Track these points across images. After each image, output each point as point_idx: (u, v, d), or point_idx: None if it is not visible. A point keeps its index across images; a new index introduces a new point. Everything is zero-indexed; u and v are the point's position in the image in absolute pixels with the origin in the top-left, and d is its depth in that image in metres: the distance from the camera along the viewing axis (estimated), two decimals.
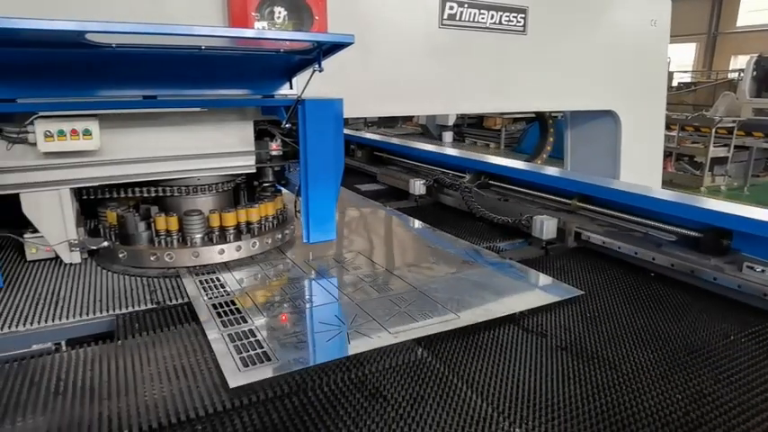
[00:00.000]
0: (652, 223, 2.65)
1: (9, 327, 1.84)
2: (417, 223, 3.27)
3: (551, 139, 9.54)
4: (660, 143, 5.35)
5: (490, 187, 3.79)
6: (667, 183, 10.39)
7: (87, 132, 2.16)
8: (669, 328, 1.90)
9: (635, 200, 2.74)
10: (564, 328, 1.90)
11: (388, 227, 3.29)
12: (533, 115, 12.83)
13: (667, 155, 11.45)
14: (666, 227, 2.57)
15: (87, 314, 1.95)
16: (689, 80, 21.35)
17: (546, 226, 2.79)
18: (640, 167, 5.05)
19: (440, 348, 1.74)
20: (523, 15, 3.92)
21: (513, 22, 3.87)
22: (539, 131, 10.84)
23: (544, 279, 2.36)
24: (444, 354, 1.71)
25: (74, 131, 2.15)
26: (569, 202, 3.12)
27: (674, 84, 18.77)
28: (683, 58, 26.42)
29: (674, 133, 11.86)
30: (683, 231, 2.47)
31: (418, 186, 3.92)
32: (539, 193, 3.39)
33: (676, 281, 2.32)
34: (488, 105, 4.37)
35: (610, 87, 4.66)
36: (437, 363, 1.65)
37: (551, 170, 3.85)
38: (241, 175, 2.73)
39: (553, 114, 9.61)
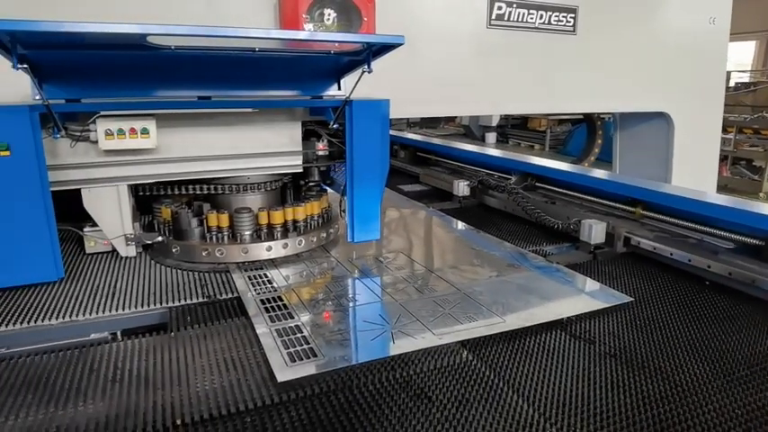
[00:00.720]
0: (708, 230, 2.54)
1: (70, 316, 1.94)
2: (461, 225, 3.25)
3: (599, 141, 9.28)
4: (716, 146, 5.13)
5: (536, 189, 3.72)
6: (722, 188, 9.93)
7: (145, 131, 2.25)
8: (727, 340, 1.82)
9: (690, 205, 2.63)
10: (613, 334, 1.85)
11: (431, 228, 3.28)
12: (580, 116, 12.51)
13: (723, 158, 10.94)
14: (724, 234, 2.46)
15: (142, 306, 2.04)
16: (748, 80, 20.31)
17: (594, 230, 2.72)
18: (694, 171, 4.85)
19: (485, 352, 1.72)
20: (573, 15, 3.83)
21: (562, 21, 3.79)
22: (586, 133, 10.57)
23: (592, 284, 2.30)
24: (489, 357, 1.69)
25: (132, 130, 2.25)
26: (619, 206, 3.03)
27: (732, 84, 17.89)
28: (741, 57, 25.18)
29: (730, 136, 11.32)
30: (743, 239, 2.36)
31: (462, 187, 3.89)
32: (587, 197, 3.31)
33: (733, 290, 2.22)
34: (536, 106, 4.30)
35: (663, 88, 4.49)
36: (482, 366, 1.64)
37: (600, 173, 3.74)
38: (288, 174, 2.78)
39: (602, 116, 9.35)
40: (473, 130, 17.92)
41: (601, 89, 4.20)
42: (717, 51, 4.74)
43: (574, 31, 3.89)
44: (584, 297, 2.18)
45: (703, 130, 4.89)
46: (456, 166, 4.73)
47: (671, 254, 2.49)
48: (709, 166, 5.10)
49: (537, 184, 3.73)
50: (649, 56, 4.33)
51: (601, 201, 3.20)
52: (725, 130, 10.38)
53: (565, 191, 3.50)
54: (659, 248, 2.55)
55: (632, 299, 2.12)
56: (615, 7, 4.10)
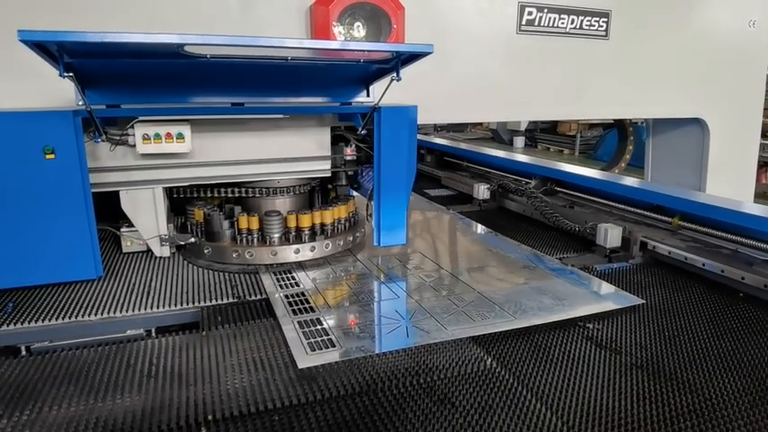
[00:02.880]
0: (744, 240, 2.48)
1: (108, 313, 2.02)
2: (480, 227, 3.30)
3: (630, 147, 9.07)
4: (754, 153, 4.98)
5: (557, 194, 3.71)
6: (761, 195, 9.61)
7: (180, 136, 2.33)
8: (761, 354, 1.78)
9: (722, 214, 2.57)
10: (640, 345, 1.83)
11: (451, 230, 3.34)
12: (611, 121, 12.27)
13: (762, 165, 10.57)
14: (761, 245, 2.40)
15: (175, 305, 2.11)
16: None
17: (610, 235, 2.72)
18: (730, 179, 4.72)
19: (509, 360, 1.73)
20: (606, 19, 3.79)
21: (594, 26, 3.75)
22: (617, 138, 10.36)
23: (607, 288, 2.32)
24: (513, 365, 1.70)
25: (168, 135, 2.33)
26: (657, 216, 2.96)
27: None
28: None
29: None
30: None
31: (482, 191, 3.93)
32: (607, 202, 3.30)
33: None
34: (566, 112, 4.26)
35: (699, 93, 4.39)
36: (506, 374, 1.64)
37: (622, 179, 3.70)
38: (317, 178, 2.83)
39: (633, 120, 9.15)
40: (501, 133, 17.77)
41: (634, 95, 4.14)
42: (757, 54, 4.61)
43: (606, 35, 3.85)
44: (595, 299, 2.19)
45: (741, 136, 4.75)
46: (480, 170, 4.76)
47: (703, 264, 2.44)
48: (747, 174, 4.96)
49: (557, 188, 3.73)
50: (684, 60, 4.24)
51: (623, 207, 3.17)
52: (764, 136, 10.03)
53: (585, 196, 3.50)
54: (691, 258, 2.50)
55: (643, 300, 2.14)
56: (649, 11, 4.03)
